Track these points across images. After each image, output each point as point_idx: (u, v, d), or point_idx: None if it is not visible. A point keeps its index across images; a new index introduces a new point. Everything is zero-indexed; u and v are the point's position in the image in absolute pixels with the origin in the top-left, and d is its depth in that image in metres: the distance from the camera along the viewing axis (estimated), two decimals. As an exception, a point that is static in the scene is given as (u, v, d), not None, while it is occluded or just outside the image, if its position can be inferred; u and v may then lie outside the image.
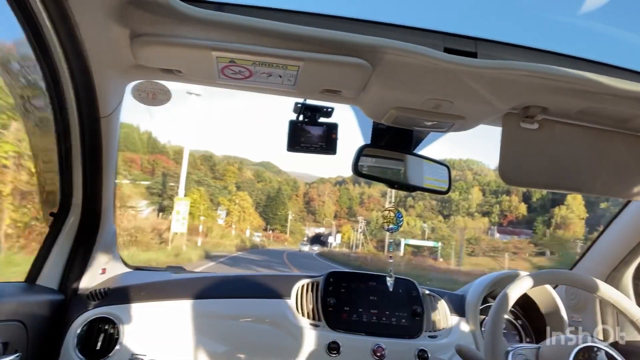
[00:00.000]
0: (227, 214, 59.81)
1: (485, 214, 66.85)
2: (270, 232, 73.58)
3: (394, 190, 1.23)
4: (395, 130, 1.19)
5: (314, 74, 0.85)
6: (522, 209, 63.47)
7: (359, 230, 68.23)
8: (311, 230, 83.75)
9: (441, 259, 47.51)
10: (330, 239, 71.69)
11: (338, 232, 75.06)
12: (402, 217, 1.31)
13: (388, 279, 1.37)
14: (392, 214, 1.29)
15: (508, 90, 0.86)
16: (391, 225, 1.29)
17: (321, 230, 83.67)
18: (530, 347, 1.03)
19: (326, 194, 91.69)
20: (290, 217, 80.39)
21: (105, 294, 1.28)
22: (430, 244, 55.02)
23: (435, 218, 68.87)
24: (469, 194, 71.30)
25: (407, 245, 53.81)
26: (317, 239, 76.89)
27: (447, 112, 0.98)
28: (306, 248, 54.96)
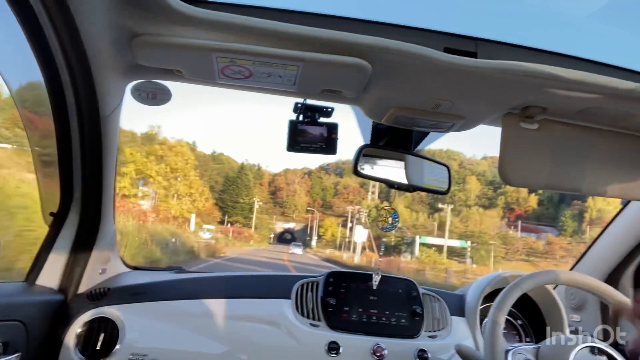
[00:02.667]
0: (145, 183, 29.80)
1: (486, 207, 55.99)
2: (229, 225, 53.74)
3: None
4: (395, 130, 1.19)
5: (314, 74, 0.85)
6: (533, 201, 53.77)
7: (350, 224, 53.15)
8: (280, 225, 67.34)
9: (474, 265, 35.27)
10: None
11: (319, 226, 61.38)
12: (397, 216, 1.31)
13: (374, 276, 1.39)
14: (387, 213, 1.29)
15: (508, 90, 0.86)
16: (386, 225, 1.29)
17: (291, 225, 68.11)
18: (530, 346, 1.03)
19: (296, 183, 74.80)
20: (256, 205, 59.48)
21: (105, 294, 1.28)
22: (455, 243, 41.44)
23: (425, 211, 57.04)
24: (466, 184, 59.15)
25: (423, 244, 40.87)
26: (288, 237, 61.23)
27: (447, 112, 0.98)
28: (299, 250, 38.15)
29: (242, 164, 68.35)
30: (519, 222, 49.06)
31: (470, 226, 47.96)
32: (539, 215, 51.11)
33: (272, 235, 62.08)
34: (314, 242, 57.21)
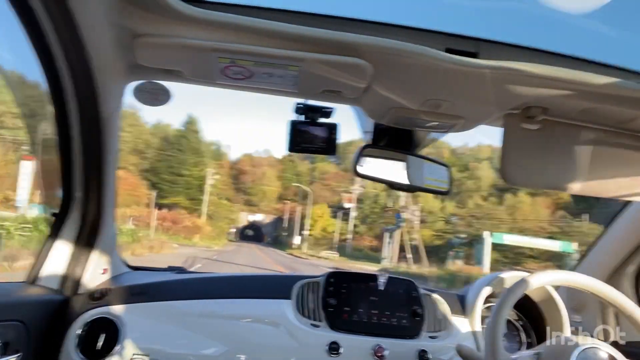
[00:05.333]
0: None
1: (534, 195, 37.36)
2: (165, 210, 34.49)
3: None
4: (395, 131, 1.19)
5: (315, 75, 0.85)
6: (564, 193, 38.46)
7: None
8: (244, 217, 51.54)
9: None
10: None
11: (308, 216, 45.27)
12: (401, 217, 1.31)
13: (380, 277, 1.39)
14: (391, 214, 1.29)
15: (509, 90, 0.86)
16: (390, 226, 1.29)
17: (258, 217, 52.93)
18: (531, 353, 1.03)
19: (265, 165, 60.25)
20: (210, 180, 39.12)
21: (106, 294, 1.28)
22: (554, 245, 24.64)
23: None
24: (472, 171, 45.00)
25: (496, 245, 23.16)
26: (250, 233, 48.42)
27: (448, 112, 0.98)
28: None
29: (191, 117, 42.88)
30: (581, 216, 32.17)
31: (518, 218, 35.05)
32: (563, 207, 36.05)
33: (232, 230, 45.28)
34: (297, 241, 39.07)
